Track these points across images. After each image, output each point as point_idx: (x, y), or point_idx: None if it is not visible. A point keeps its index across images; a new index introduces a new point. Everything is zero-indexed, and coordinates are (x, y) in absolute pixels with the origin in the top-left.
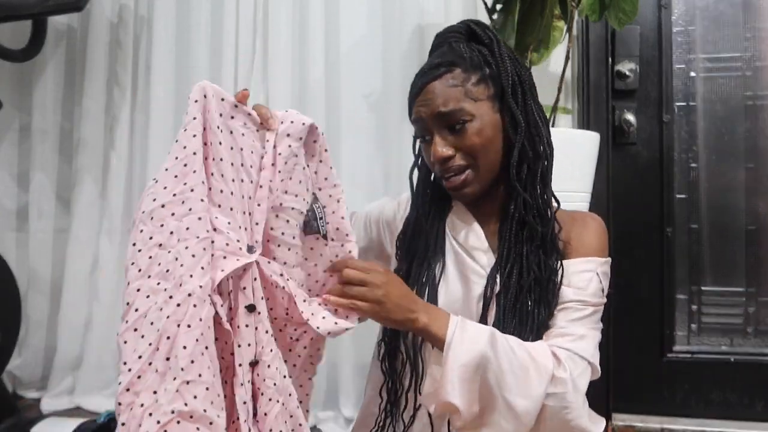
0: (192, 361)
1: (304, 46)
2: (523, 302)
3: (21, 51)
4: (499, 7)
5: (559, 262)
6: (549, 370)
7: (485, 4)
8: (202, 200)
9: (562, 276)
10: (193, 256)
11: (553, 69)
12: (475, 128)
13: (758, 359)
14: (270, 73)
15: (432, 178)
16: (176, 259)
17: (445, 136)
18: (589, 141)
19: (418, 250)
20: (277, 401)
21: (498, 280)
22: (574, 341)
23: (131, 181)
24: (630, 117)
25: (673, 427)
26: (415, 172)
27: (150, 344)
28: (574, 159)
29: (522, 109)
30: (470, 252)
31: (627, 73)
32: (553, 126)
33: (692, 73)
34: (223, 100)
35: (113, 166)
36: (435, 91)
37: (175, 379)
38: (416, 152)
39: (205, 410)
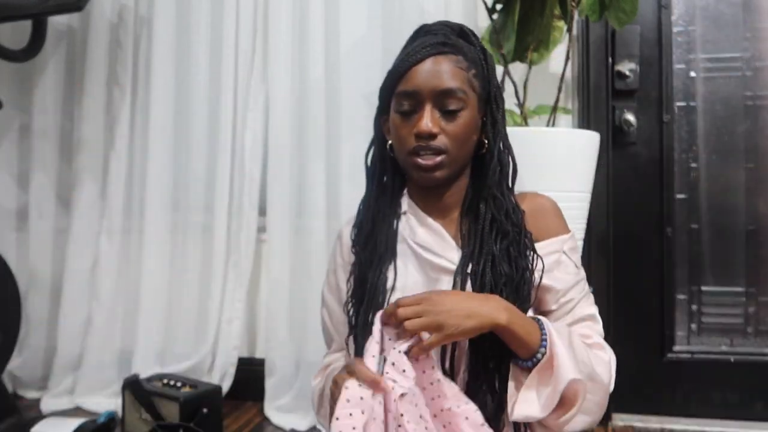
0: None
1: (304, 46)
2: None
3: (21, 51)
4: (499, 7)
5: (535, 255)
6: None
7: (485, 4)
8: None
9: (543, 270)
10: None
11: (553, 69)
12: (465, 118)
13: (758, 359)
14: (270, 73)
15: (387, 162)
16: None
17: (436, 114)
18: (589, 141)
19: (372, 255)
20: None
21: (469, 276)
22: (587, 321)
23: (131, 181)
24: (630, 117)
25: (673, 427)
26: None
27: None
28: (574, 159)
29: (500, 118)
30: (435, 251)
31: (627, 73)
32: (553, 126)
33: (692, 73)
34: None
35: (113, 166)
36: (444, 67)
37: None
38: (375, 131)
39: None
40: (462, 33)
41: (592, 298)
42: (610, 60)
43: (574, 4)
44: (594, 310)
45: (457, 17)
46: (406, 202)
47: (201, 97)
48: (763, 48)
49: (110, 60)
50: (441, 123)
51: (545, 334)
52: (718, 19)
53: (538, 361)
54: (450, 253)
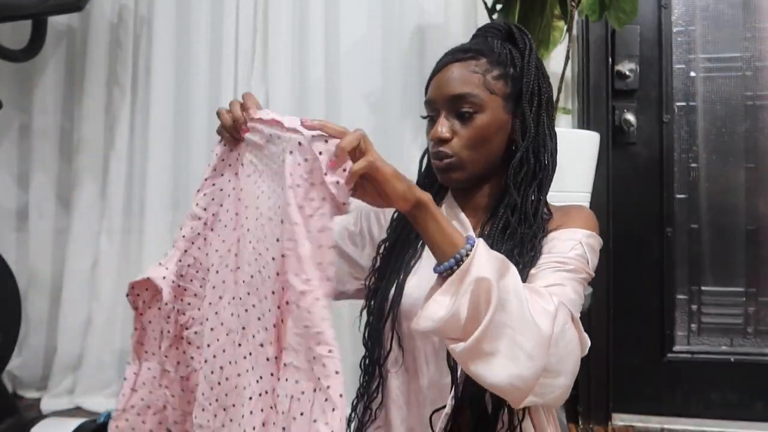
0: None
1: (304, 46)
2: None
3: (21, 51)
4: (499, 7)
5: (533, 255)
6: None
7: (485, 4)
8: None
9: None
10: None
11: (553, 69)
12: (482, 121)
13: (758, 359)
14: (270, 73)
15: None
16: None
17: (451, 119)
18: (589, 141)
19: (402, 233)
20: None
21: None
22: (550, 287)
23: (131, 181)
24: (630, 117)
25: (673, 427)
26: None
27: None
28: (574, 159)
29: (534, 118)
30: None
31: (627, 73)
32: None
33: (692, 73)
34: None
35: (113, 166)
36: (454, 74)
37: None
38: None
39: None
40: (509, 34)
41: (580, 288)
42: (610, 60)
43: (574, 4)
44: (569, 283)
45: (457, 17)
46: (448, 197)
47: (201, 97)
48: (763, 48)
49: (110, 60)
50: (456, 127)
51: (471, 243)
52: (718, 19)
53: (456, 262)
54: None
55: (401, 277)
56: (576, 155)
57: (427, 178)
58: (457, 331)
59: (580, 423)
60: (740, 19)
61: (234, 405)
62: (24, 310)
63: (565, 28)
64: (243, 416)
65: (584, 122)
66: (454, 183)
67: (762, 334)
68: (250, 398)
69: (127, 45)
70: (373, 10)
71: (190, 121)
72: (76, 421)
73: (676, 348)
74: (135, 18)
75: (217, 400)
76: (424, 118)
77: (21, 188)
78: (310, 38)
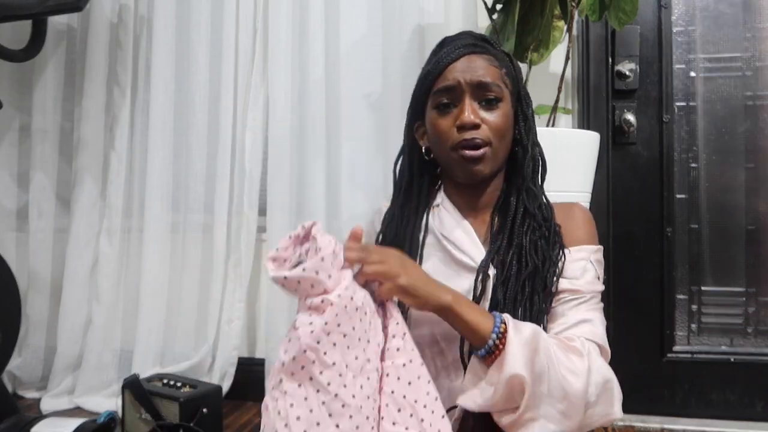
0: None
1: (304, 46)
2: (521, 291)
3: (21, 51)
4: (499, 7)
5: (562, 251)
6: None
7: (485, 4)
8: None
9: (563, 264)
10: None
11: (553, 69)
12: (504, 110)
13: (758, 359)
14: (270, 73)
15: (415, 167)
16: None
17: (476, 107)
18: (589, 141)
19: (400, 233)
20: None
21: (491, 272)
22: (578, 326)
23: (131, 181)
24: (630, 117)
25: (673, 427)
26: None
27: None
28: (574, 159)
29: (531, 118)
30: (460, 246)
31: (627, 73)
32: (553, 126)
33: (692, 73)
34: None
35: (113, 166)
36: (478, 63)
37: None
38: (406, 138)
39: None
40: (485, 40)
41: (600, 313)
42: (610, 60)
43: (574, 4)
44: (593, 315)
45: (457, 17)
46: (440, 197)
47: (201, 97)
48: (763, 48)
49: (110, 60)
50: (481, 114)
51: (498, 325)
52: (718, 19)
53: (490, 348)
54: (473, 251)
55: None
56: (576, 155)
57: (412, 181)
58: (499, 408)
59: None
60: (740, 19)
61: None
62: (24, 310)
63: (565, 28)
64: None
65: (584, 122)
66: (480, 175)
67: (762, 334)
68: None
69: (127, 45)
70: (373, 10)
71: (190, 121)
72: (76, 421)
73: (676, 348)
74: (135, 18)
75: None
76: (436, 108)
77: (21, 188)
78: (310, 38)
